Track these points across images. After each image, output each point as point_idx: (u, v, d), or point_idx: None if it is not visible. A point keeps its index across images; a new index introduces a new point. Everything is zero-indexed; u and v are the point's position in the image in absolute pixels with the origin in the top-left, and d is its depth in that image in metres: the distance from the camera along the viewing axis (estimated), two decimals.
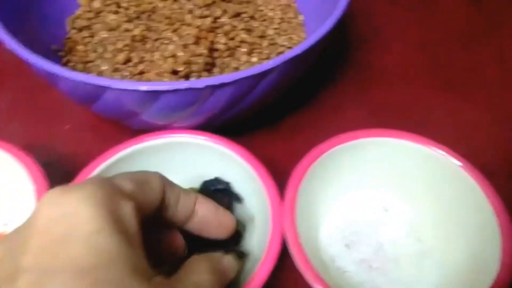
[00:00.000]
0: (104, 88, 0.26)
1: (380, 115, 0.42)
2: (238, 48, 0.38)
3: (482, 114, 0.42)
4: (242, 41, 0.38)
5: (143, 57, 0.37)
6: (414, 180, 0.33)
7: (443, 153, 0.31)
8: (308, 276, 0.26)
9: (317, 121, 0.41)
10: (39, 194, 0.28)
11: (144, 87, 0.26)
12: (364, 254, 0.32)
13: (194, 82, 0.26)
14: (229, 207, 0.32)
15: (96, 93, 0.27)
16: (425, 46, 0.49)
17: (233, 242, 0.30)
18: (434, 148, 0.31)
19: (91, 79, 0.26)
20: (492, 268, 0.26)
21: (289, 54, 0.28)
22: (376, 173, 0.34)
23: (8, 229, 0.32)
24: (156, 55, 0.37)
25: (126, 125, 0.33)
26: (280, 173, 0.30)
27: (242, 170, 0.31)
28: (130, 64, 0.37)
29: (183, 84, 0.26)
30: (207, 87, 0.27)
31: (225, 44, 0.37)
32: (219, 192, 0.32)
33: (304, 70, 0.33)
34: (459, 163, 0.30)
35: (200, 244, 0.27)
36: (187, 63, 0.35)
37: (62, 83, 0.28)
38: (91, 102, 0.29)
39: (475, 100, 0.43)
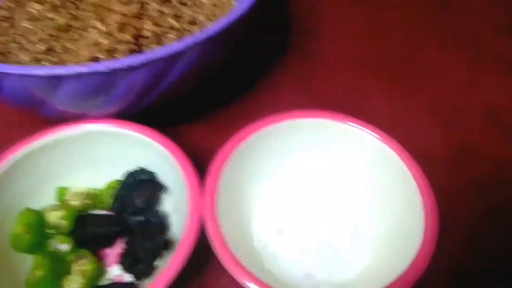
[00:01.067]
0: (2, 75, 0.25)
1: (320, 103, 0.41)
2: (167, 35, 0.36)
3: (420, 103, 0.42)
4: (171, 27, 0.37)
5: (66, 46, 0.35)
6: (346, 162, 0.32)
7: (375, 135, 0.30)
8: (223, 260, 0.24)
9: (253, 110, 0.40)
10: None
11: (41, 71, 0.24)
12: (297, 239, 0.31)
13: (96, 66, 0.25)
14: (154, 197, 0.31)
15: None
16: (367, 34, 0.48)
17: (158, 233, 0.29)
18: (365, 130, 0.30)
19: None
20: (416, 243, 0.25)
21: (201, 34, 0.27)
22: (308, 156, 0.33)
23: None
24: (80, 44, 0.35)
25: (41, 115, 0.31)
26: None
27: (163, 159, 0.29)
28: (52, 54, 0.35)
29: (84, 68, 0.25)
30: (113, 70, 0.25)
31: (152, 31, 0.36)
32: (144, 182, 0.31)
33: (223, 53, 0.32)
34: (388, 145, 0.29)
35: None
36: (110, 50, 0.33)
37: None
38: None
39: (414, 89, 0.43)
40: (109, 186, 0.32)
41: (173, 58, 0.26)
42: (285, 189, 0.33)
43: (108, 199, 0.31)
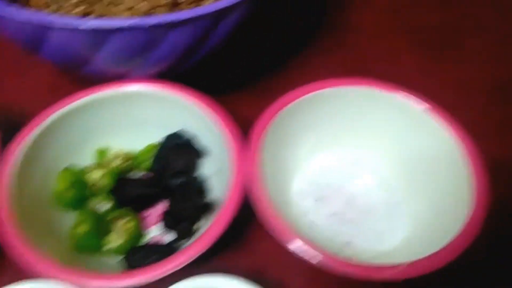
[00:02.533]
0: (46, 28, 0.24)
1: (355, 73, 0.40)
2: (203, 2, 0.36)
3: (455, 73, 0.40)
4: None
5: (103, 12, 0.35)
6: (383, 131, 0.31)
7: (412, 100, 0.29)
8: (267, 217, 0.24)
9: (294, 80, 0.39)
10: None
11: (87, 24, 0.24)
12: (335, 207, 0.30)
13: (142, 20, 0.24)
14: (193, 160, 0.31)
15: (39, 34, 0.25)
16: (400, 5, 0.47)
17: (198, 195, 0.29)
18: (404, 95, 0.29)
19: (33, 16, 0.24)
20: (461, 217, 0.25)
21: None
22: (345, 125, 0.32)
23: None
24: (118, 8, 0.34)
25: (81, 76, 0.31)
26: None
27: (205, 122, 0.29)
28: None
29: (129, 21, 0.24)
30: (161, 24, 0.25)
31: None
32: (183, 145, 0.31)
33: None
34: (428, 108, 0.29)
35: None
36: (148, 13, 0.33)
37: (5, 25, 0.26)
38: (36, 45, 0.27)
39: (448, 58, 0.42)
40: (148, 149, 0.31)
41: (220, 14, 0.26)
42: (324, 157, 0.33)
43: (147, 162, 0.31)
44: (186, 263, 0.23)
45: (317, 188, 0.31)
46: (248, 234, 0.30)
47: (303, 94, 0.30)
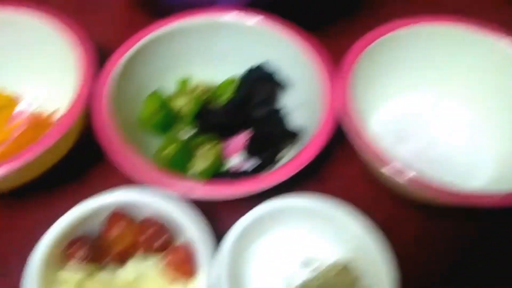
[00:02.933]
0: None
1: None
2: None
3: None
4: None
5: None
6: (466, 72, 0.30)
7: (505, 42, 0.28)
8: (363, 146, 0.24)
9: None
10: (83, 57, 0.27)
11: None
12: (416, 147, 0.30)
13: None
14: (275, 92, 0.31)
15: None
16: None
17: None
18: (498, 37, 0.29)
19: None
20: None
21: None
22: (431, 66, 0.31)
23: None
24: None
25: (162, 8, 0.31)
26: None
27: (294, 53, 0.28)
28: None
29: None
30: None
31: None
32: (265, 78, 0.31)
33: None
34: None
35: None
36: None
37: None
38: None
39: None
40: (228, 82, 0.31)
41: None
42: (404, 98, 0.32)
43: (227, 94, 0.31)
44: (283, 180, 0.23)
45: (397, 128, 0.31)
46: (338, 159, 0.30)
47: (393, 29, 0.29)
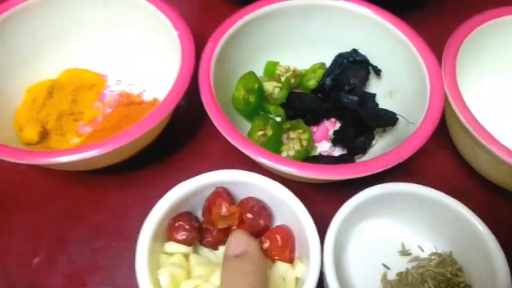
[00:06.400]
0: None
1: None
2: None
3: None
4: None
5: None
6: None
7: None
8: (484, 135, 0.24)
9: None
10: (182, 40, 0.27)
11: None
12: (509, 141, 0.29)
13: None
14: (365, 79, 0.30)
15: None
16: None
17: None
18: None
19: None
20: None
21: None
22: None
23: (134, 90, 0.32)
24: None
25: None
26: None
27: (392, 40, 0.28)
28: None
29: None
30: None
31: None
32: (356, 64, 0.30)
33: None
34: None
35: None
36: None
37: None
38: None
39: None
40: (315, 67, 0.31)
41: None
42: (492, 90, 0.31)
43: (314, 80, 0.31)
44: (390, 167, 0.23)
45: (487, 119, 0.30)
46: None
47: (492, 18, 0.28)
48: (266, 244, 0.24)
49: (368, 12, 0.28)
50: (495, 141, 0.24)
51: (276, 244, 0.24)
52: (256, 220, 0.24)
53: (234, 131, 0.24)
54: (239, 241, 0.22)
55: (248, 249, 0.22)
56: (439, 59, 0.27)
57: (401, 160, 0.23)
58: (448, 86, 0.25)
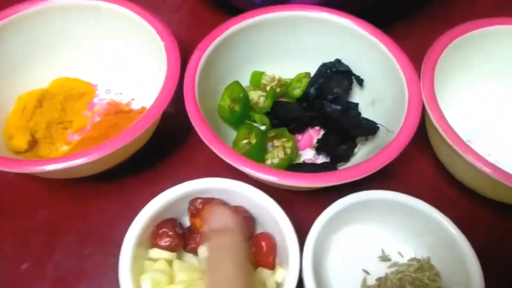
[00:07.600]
0: None
1: None
2: None
3: None
4: None
5: None
6: None
7: None
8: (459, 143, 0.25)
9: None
10: (168, 50, 0.28)
11: None
12: (488, 149, 0.30)
13: None
14: (348, 89, 0.31)
15: None
16: None
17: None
18: None
19: None
20: None
21: None
22: (502, 66, 0.31)
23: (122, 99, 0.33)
24: None
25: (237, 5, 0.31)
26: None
27: (371, 48, 0.29)
28: None
29: None
30: None
31: None
32: (339, 74, 0.31)
33: None
34: None
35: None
36: None
37: None
38: None
39: None
40: (300, 77, 0.32)
41: None
42: (475, 99, 0.32)
43: (298, 89, 0.32)
44: (369, 174, 0.24)
45: (468, 129, 0.31)
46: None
47: (469, 30, 0.29)
48: (251, 251, 0.24)
49: (349, 23, 0.29)
50: (470, 149, 0.24)
51: (261, 251, 0.24)
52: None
53: (217, 141, 0.24)
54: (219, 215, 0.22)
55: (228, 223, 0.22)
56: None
57: (377, 169, 0.24)
58: (426, 96, 0.26)
